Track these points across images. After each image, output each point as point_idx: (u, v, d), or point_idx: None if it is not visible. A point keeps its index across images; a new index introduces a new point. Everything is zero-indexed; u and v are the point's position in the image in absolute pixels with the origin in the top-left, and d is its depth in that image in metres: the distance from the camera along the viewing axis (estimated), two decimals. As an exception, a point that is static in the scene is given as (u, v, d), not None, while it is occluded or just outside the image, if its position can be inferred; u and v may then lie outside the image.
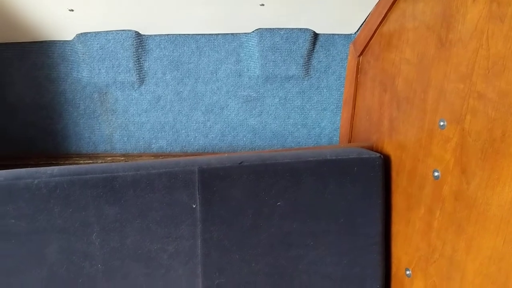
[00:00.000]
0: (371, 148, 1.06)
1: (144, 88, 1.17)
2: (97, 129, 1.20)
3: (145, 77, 1.16)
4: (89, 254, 0.90)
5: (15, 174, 0.88)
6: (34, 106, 1.15)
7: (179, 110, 1.21)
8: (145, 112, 1.19)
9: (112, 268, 0.91)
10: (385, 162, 0.99)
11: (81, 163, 1.17)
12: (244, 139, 1.26)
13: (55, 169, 0.91)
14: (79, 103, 1.17)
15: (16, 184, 0.86)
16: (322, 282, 1.00)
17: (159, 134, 1.22)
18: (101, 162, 1.19)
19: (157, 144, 1.23)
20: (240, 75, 1.19)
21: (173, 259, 0.94)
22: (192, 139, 1.24)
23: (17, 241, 0.86)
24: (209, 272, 0.96)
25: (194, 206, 0.93)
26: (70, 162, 1.18)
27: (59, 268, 0.89)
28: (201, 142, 1.25)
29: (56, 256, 0.88)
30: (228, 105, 1.22)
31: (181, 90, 1.19)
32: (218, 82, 1.19)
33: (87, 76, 1.14)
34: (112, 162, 1.18)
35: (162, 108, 1.20)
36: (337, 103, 1.23)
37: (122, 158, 1.21)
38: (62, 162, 1.17)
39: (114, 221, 0.91)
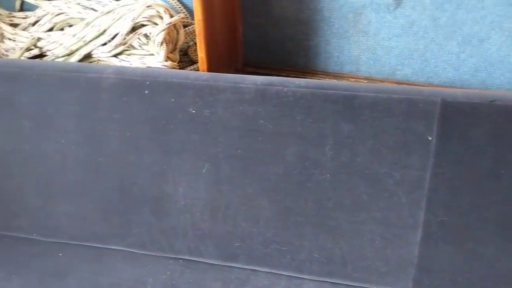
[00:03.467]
0: None
1: (400, 12, 1.13)
2: (346, 49, 1.23)
3: (403, 0, 1.11)
4: (320, 163, 0.97)
5: (269, 80, 0.98)
6: (294, 20, 1.23)
7: (432, 38, 1.13)
8: (396, 36, 1.16)
9: (339, 180, 0.97)
10: None
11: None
12: (502, 77, 1.12)
13: (302, 81, 0.98)
14: (333, 22, 1.21)
15: (269, 90, 0.97)
16: None
17: (406, 61, 1.18)
18: (345, 82, 1.22)
19: (402, 72, 1.20)
20: (510, 4, 1.03)
21: (398, 186, 0.94)
22: (440, 71, 1.16)
23: (264, 139, 0.98)
24: (433, 207, 0.93)
25: (429, 138, 0.90)
26: (316, 78, 1.25)
27: (293, 169, 0.98)
28: (450, 75, 1.16)
29: (292, 158, 0.98)
30: (490, 37, 1.09)
31: (438, 16, 1.10)
32: (484, 10, 1.06)
33: (346, -5, 1.16)
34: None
35: (414, 34, 1.14)
36: None
37: (365, 81, 1.22)
38: (309, 78, 1.24)
39: (347, 137, 0.94)
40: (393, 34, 1.16)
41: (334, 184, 0.98)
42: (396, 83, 1.20)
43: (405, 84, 1.19)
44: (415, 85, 1.18)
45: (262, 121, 0.98)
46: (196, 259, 1.09)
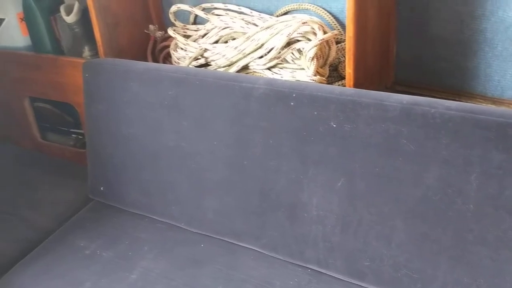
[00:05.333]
0: None
1: None
2: (509, 73, 1.13)
3: None
4: (464, 192, 0.91)
5: (416, 100, 0.96)
6: (452, 40, 1.18)
7: None
8: None
9: (484, 213, 0.90)
10: None
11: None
12: None
13: (452, 103, 0.94)
14: (497, 44, 1.13)
15: (415, 109, 0.94)
16: None
17: None
18: (504, 109, 1.13)
19: None
20: None
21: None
22: None
23: (404, 159, 0.96)
24: None
25: None
26: (473, 102, 1.18)
27: (433, 195, 0.94)
28: None
29: (433, 182, 0.94)
30: None
31: None
32: None
33: (513, 16, 1.07)
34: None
35: None
36: None
37: (528, 109, 1.11)
38: (464, 100, 1.18)
39: (497, 167, 0.87)
40: None
41: (477, 216, 0.91)
42: None
43: None
44: None
45: (404, 141, 0.96)
46: (324, 271, 1.10)
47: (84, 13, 1.44)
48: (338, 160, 1.03)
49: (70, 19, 1.48)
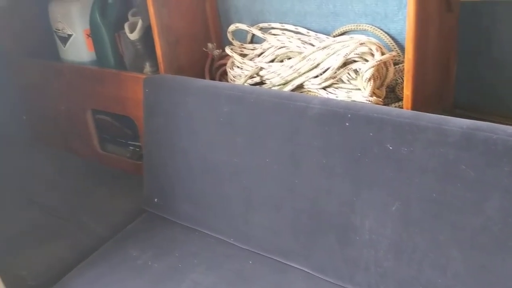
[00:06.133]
0: None
1: None
2: None
3: None
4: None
5: (477, 125, 0.93)
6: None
7: None
8: None
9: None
10: None
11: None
12: None
13: (515, 129, 0.90)
14: None
15: (476, 135, 0.91)
16: None
17: None
18: None
19: None
20: None
21: None
22: None
23: (463, 186, 0.93)
24: None
25: None
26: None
27: (493, 225, 0.90)
28: None
29: (493, 212, 0.90)
30: None
31: None
32: None
33: None
34: None
35: None
36: None
37: None
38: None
39: None
40: None
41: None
42: None
43: None
44: None
45: (463, 167, 0.93)
46: (374, 296, 1.08)
47: (147, 31, 1.51)
48: (393, 183, 1.01)
49: (134, 36, 1.54)
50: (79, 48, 1.74)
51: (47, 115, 1.95)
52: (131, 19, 1.61)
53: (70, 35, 1.73)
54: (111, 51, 1.66)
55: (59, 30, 1.75)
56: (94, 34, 1.68)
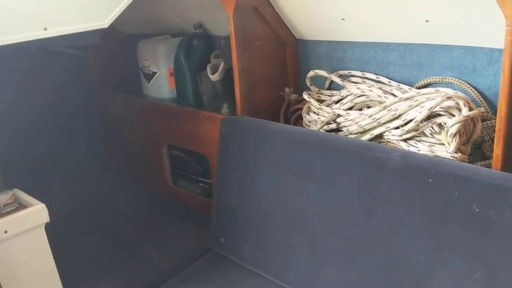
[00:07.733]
0: None
1: None
2: None
3: None
4: None
5: None
6: None
7: None
8: None
9: None
10: None
11: None
12: None
13: None
14: None
15: None
16: None
17: None
18: None
19: None
20: None
21: None
22: None
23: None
24: None
25: None
26: None
27: None
28: None
29: None
30: None
31: None
32: None
33: None
34: None
35: None
36: None
37: None
38: None
39: None
40: None
41: None
42: None
43: None
44: None
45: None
46: None
47: (227, 73, 1.55)
48: (478, 248, 0.93)
49: (215, 77, 1.59)
50: (161, 85, 1.82)
51: (125, 146, 2.04)
52: (213, 61, 1.66)
53: (154, 73, 1.81)
54: (191, 90, 1.72)
55: (145, 67, 1.84)
56: (177, 73, 1.75)
